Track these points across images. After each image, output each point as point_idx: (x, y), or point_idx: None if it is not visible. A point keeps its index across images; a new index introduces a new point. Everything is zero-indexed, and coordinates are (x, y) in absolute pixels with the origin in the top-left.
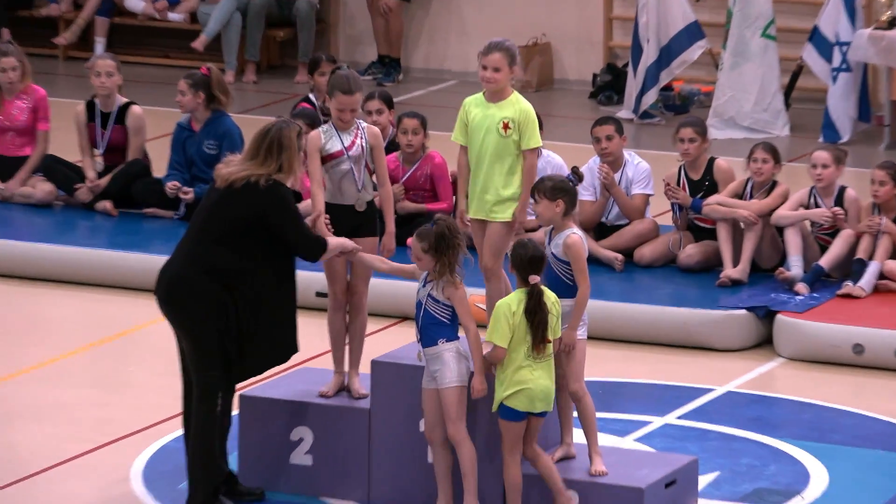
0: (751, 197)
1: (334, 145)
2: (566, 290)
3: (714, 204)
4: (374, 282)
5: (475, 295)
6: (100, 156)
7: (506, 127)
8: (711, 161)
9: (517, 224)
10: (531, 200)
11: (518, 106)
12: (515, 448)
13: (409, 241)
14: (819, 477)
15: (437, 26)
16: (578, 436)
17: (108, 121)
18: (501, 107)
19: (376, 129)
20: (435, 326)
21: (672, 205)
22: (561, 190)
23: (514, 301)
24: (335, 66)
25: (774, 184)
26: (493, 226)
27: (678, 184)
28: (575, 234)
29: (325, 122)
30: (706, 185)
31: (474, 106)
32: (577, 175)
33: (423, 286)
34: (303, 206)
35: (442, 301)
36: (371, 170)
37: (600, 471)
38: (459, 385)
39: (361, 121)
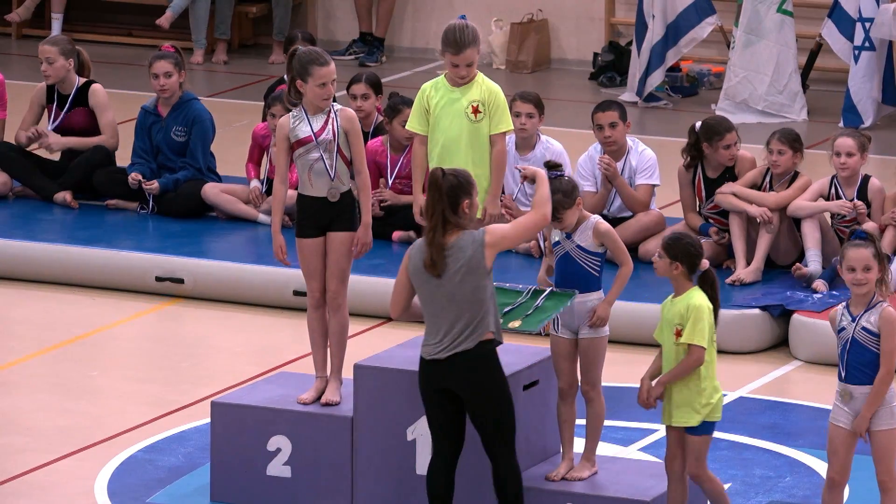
0: (770, 188)
1: (303, 130)
2: (594, 282)
3: (728, 194)
4: (357, 279)
5: None
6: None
7: (475, 111)
8: None
9: (488, 216)
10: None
11: (485, 87)
12: (705, 460)
13: (395, 235)
14: None
15: (422, 2)
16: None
17: (66, 103)
18: (467, 89)
19: (351, 112)
20: None
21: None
22: (573, 188)
23: (706, 300)
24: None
25: (796, 174)
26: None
27: (693, 179)
28: (600, 219)
29: (294, 104)
30: (726, 181)
31: (435, 90)
32: (556, 168)
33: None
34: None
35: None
36: (346, 157)
37: (578, 476)
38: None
39: (336, 103)
